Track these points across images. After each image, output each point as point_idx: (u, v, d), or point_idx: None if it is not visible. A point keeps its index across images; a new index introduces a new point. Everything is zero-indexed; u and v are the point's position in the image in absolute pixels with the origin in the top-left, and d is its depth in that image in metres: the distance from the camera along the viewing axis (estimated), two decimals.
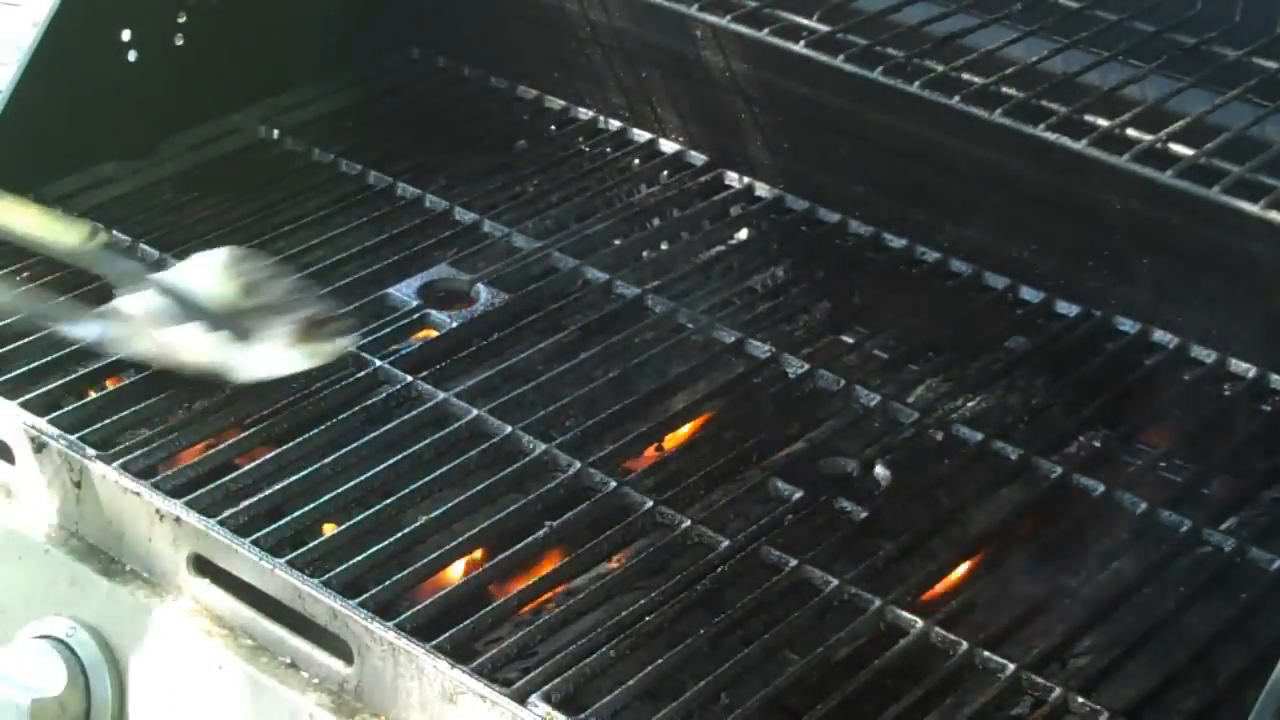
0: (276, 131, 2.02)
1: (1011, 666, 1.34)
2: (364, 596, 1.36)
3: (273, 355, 1.45)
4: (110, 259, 1.48)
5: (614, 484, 1.50)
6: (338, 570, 1.39)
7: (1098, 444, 1.60)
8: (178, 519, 1.44)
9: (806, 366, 1.66)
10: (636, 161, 2.00)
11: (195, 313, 1.44)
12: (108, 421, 1.56)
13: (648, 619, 1.37)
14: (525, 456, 1.54)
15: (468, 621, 1.35)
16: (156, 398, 1.59)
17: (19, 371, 1.62)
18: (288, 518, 1.45)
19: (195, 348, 1.44)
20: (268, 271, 1.49)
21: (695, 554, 1.45)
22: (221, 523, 1.43)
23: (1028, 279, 1.78)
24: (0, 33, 3.16)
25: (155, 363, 1.48)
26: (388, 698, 1.34)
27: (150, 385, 1.61)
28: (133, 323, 1.46)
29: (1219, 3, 1.55)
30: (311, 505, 1.47)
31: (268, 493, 1.49)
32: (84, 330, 1.52)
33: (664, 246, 1.89)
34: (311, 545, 1.43)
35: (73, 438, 1.52)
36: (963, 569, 1.46)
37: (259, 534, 1.43)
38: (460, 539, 1.45)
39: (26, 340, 1.66)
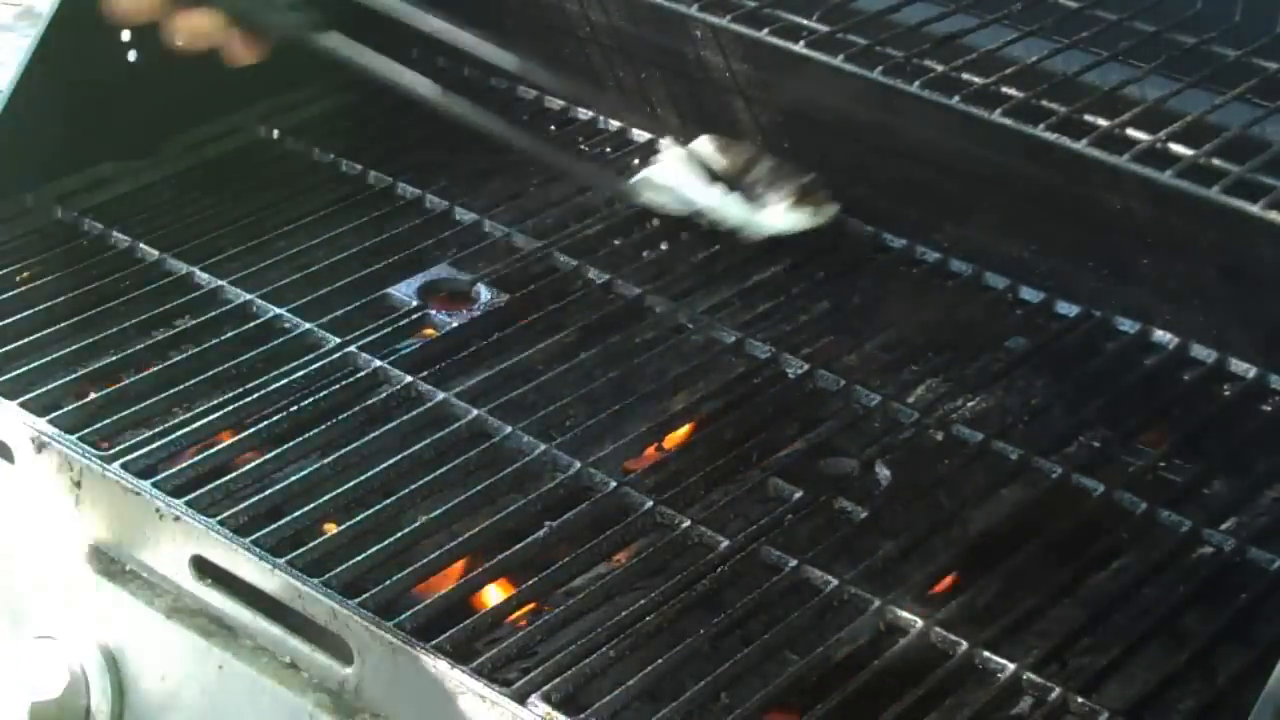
0: (276, 131, 2.02)
1: (1011, 666, 1.34)
2: (364, 596, 1.36)
3: (782, 214, 1.69)
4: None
5: (614, 484, 1.50)
6: (338, 570, 1.39)
7: (1098, 444, 1.60)
8: (178, 519, 1.44)
9: (806, 366, 1.66)
10: (636, 161, 2.00)
11: (714, 178, 1.68)
12: (108, 421, 1.56)
13: (648, 619, 1.37)
14: (525, 456, 1.54)
15: (468, 621, 1.36)
16: (156, 398, 1.60)
17: (19, 371, 1.62)
18: (288, 518, 1.45)
19: (718, 208, 1.68)
20: (753, 151, 1.74)
21: (695, 554, 1.45)
22: (221, 523, 1.43)
23: (1028, 279, 1.78)
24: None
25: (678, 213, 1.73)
26: (388, 698, 1.34)
27: (150, 385, 1.62)
28: (662, 188, 1.72)
29: (1219, 3, 1.55)
30: (311, 505, 1.47)
31: (268, 493, 1.49)
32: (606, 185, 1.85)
33: (664, 246, 1.89)
34: (311, 545, 1.43)
35: (73, 438, 1.52)
36: (963, 569, 1.46)
37: (259, 534, 1.43)
38: (460, 539, 1.45)
39: (27, 340, 1.66)
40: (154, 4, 1.31)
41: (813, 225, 1.75)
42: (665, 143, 1.79)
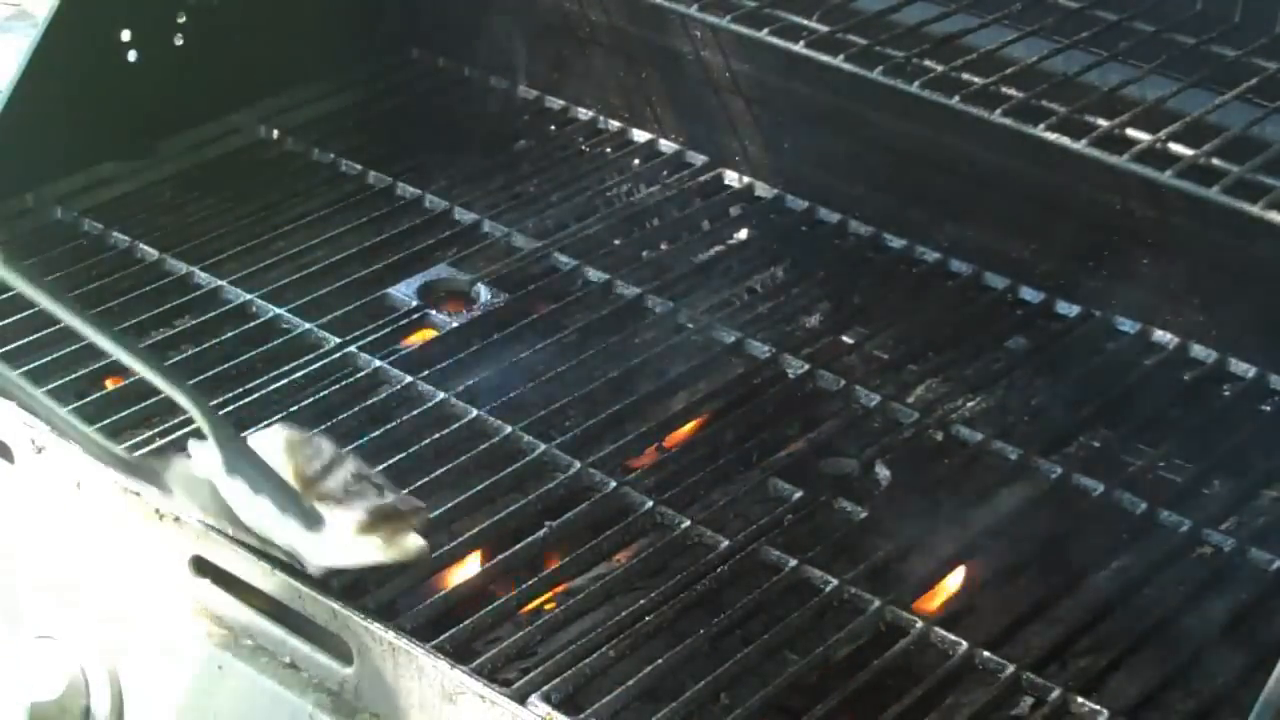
0: (276, 131, 2.02)
1: (1011, 666, 1.34)
2: (364, 597, 1.36)
3: (344, 546, 1.31)
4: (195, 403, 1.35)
5: (614, 484, 1.50)
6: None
7: (1098, 444, 1.60)
8: (178, 519, 1.44)
9: (806, 366, 1.66)
10: (636, 161, 2.00)
11: (271, 485, 1.31)
12: (108, 421, 1.56)
13: (648, 619, 1.37)
14: (525, 456, 1.54)
15: (468, 621, 1.36)
16: (156, 398, 1.59)
17: (19, 371, 1.62)
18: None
19: (263, 525, 1.33)
20: (330, 456, 1.35)
21: (695, 554, 1.45)
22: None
23: (1028, 279, 1.78)
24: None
25: (212, 521, 1.37)
26: (388, 698, 1.33)
27: (150, 385, 1.61)
28: (197, 481, 1.35)
29: (1219, 3, 1.55)
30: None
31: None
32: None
33: (664, 246, 1.89)
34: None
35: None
36: (963, 569, 1.46)
37: None
38: (460, 539, 1.45)
39: (26, 340, 1.66)
40: None
41: (380, 561, 1.32)
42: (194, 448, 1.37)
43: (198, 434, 1.35)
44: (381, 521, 1.31)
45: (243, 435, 1.35)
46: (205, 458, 1.34)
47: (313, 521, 1.30)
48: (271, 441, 1.34)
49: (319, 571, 1.33)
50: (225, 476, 1.32)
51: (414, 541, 1.32)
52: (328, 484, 1.33)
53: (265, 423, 1.41)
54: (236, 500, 1.32)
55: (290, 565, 1.38)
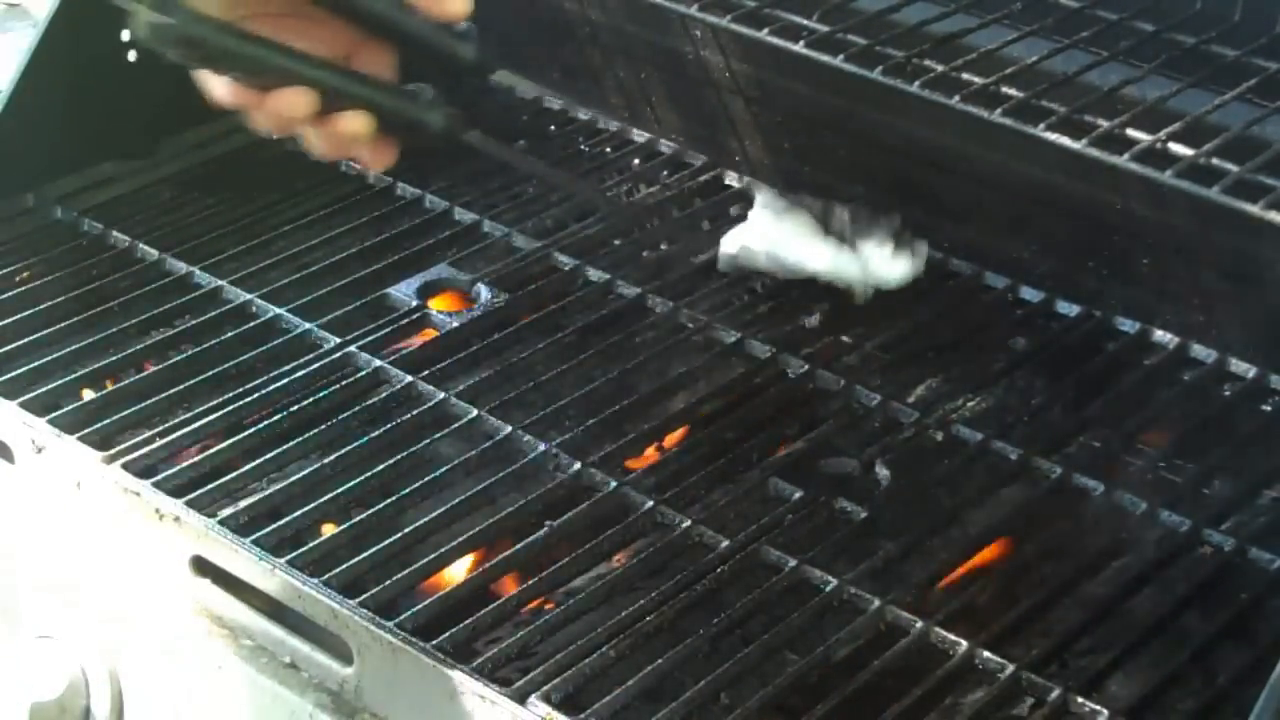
0: None
1: (1011, 666, 1.34)
2: (364, 596, 1.36)
3: (891, 264, 1.62)
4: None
5: (614, 484, 1.50)
6: (338, 570, 1.39)
7: (1098, 444, 1.60)
8: (178, 519, 1.44)
9: (806, 366, 1.66)
10: (636, 161, 2.00)
11: (817, 234, 1.60)
12: (108, 421, 1.56)
13: (648, 619, 1.37)
14: (525, 456, 1.54)
15: (468, 621, 1.36)
16: (156, 398, 1.60)
17: (19, 371, 1.62)
18: (288, 518, 1.45)
19: (833, 268, 1.62)
20: (818, 201, 1.65)
21: (695, 554, 1.45)
22: (221, 523, 1.43)
23: (1028, 279, 1.78)
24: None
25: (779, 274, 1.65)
26: (388, 698, 1.34)
27: (150, 385, 1.62)
28: (760, 253, 1.65)
29: (1219, 3, 1.55)
30: (311, 505, 1.47)
31: (268, 493, 1.49)
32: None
33: (664, 247, 1.89)
34: (311, 545, 1.43)
35: (73, 438, 1.52)
36: (962, 569, 1.46)
37: (259, 534, 1.43)
38: (460, 539, 1.45)
39: (27, 340, 1.66)
40: (304, 113, 1.15)
41: (917, 272, 1.69)
42: (759, 198, 1.71)
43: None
44: (900, 241, 1.64)
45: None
46: (756, 225, 1.67)
47: (853, 246, 1.62)
48: (779, 201, 1.67)
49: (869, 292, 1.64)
50: (784, 234, 1.61)
51: (922, 246, 1.67)
52: (837, 222, 1.65)
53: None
54: (803, 255, 1.63)
55: (291, 565, 1.39)
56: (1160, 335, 1.71)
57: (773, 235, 1.66)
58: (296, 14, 1.15)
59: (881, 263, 1.63)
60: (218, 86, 1.15)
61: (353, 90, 1.17)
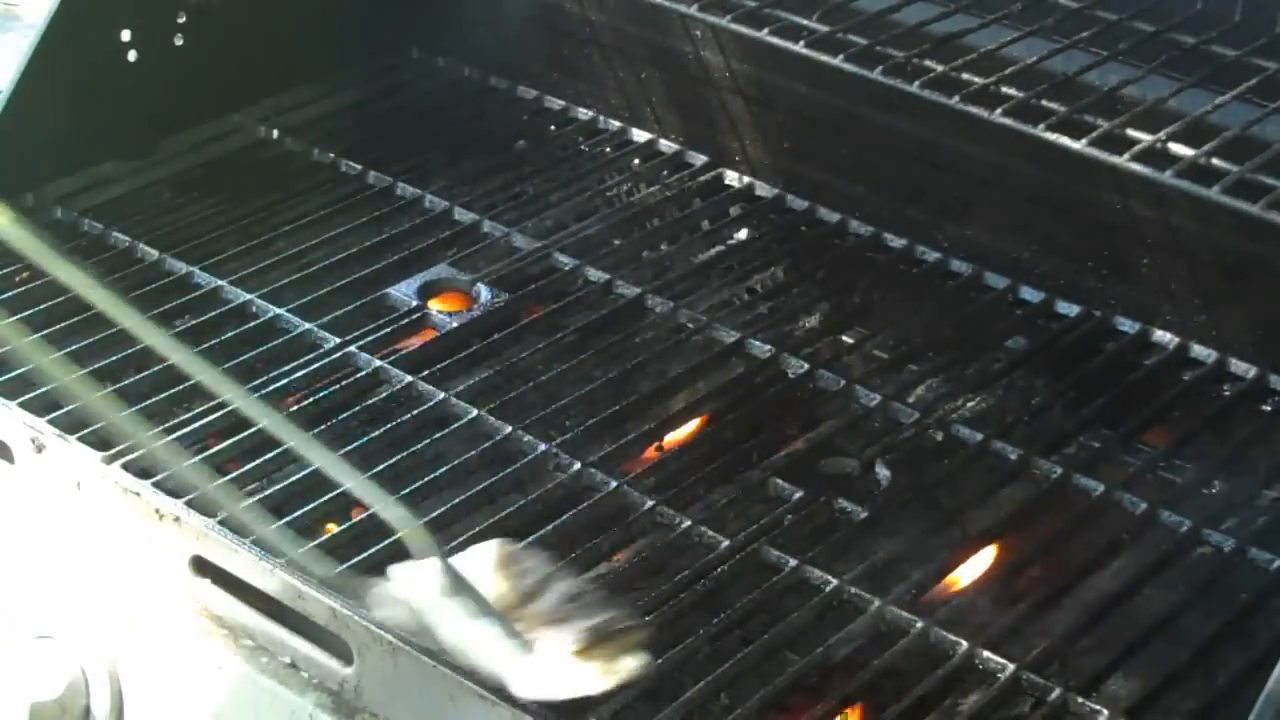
0: (276, 131, 2.02)
1: (1011, 666, 1.34)
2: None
3: (559, 671, 1.20)
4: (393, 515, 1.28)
5: (614, 484, 1.50)
6: (337, 570, 1.39)
7: (1098, 444, 1.60)
8: (177, 519, 1.44)
9: (806, 366, 1.66)
10: (636, 161, 2.00)
11: (476, 607, 1.22)
12: (108, 421, 1.56)
13: (647, 619, 1.37)
14: (525, 456, 1.54)
15: None
16: (156, 398, 1.59)
17: (19, 371, 1.62)
18: (288, 518, 1.45)
19: (476, 649, 1.22)
20: (544, 571, 1.26)
21: (695, 554, 1.45)
22: (222, 523, 1.43)
23: (1028, 279, 1.78)
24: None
25: (420, 641, 1.28)
26: (388, 698, 1.33)
27: (150, 385, 1.61)
28: (402, 604, 1.25)
29: (1219, 3, 1.55)
30: (311, 505, 1.47)
31: (268, 493, 1.49)
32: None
33: (664, 247, 1.89)
34: (311, 545, 1.42)
35: (73, 438, 1.52)
36: (962, 569, 1.46)
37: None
38: (460, 539, 1.44)
39: (26, 340, 1.66)
40: None
41: (598, 690, 1.22)
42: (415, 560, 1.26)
43: (395, 554, 1.29)
44: (598, 644, 1.20)
45: (448, 554, 1.27)
46: (406, 579, 1.25)
47: (523, 648, 1.20)
48: (481, 557, 1.27)
49: (530, 702, 1.24)
50: (428, 600, 1.23)
51: (633, 662, 1.22)
52: (539, 605, 1.23)
53: (471, 534, 1.40)
54: (439, 624, 1.23)
55: (291, 567, 1.38)
56: (1160, 335, 1.71)
57: (426, 584, 1.24)
58: None
59: (545, 660, 1.21)
60: None
61: None
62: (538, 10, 2.05)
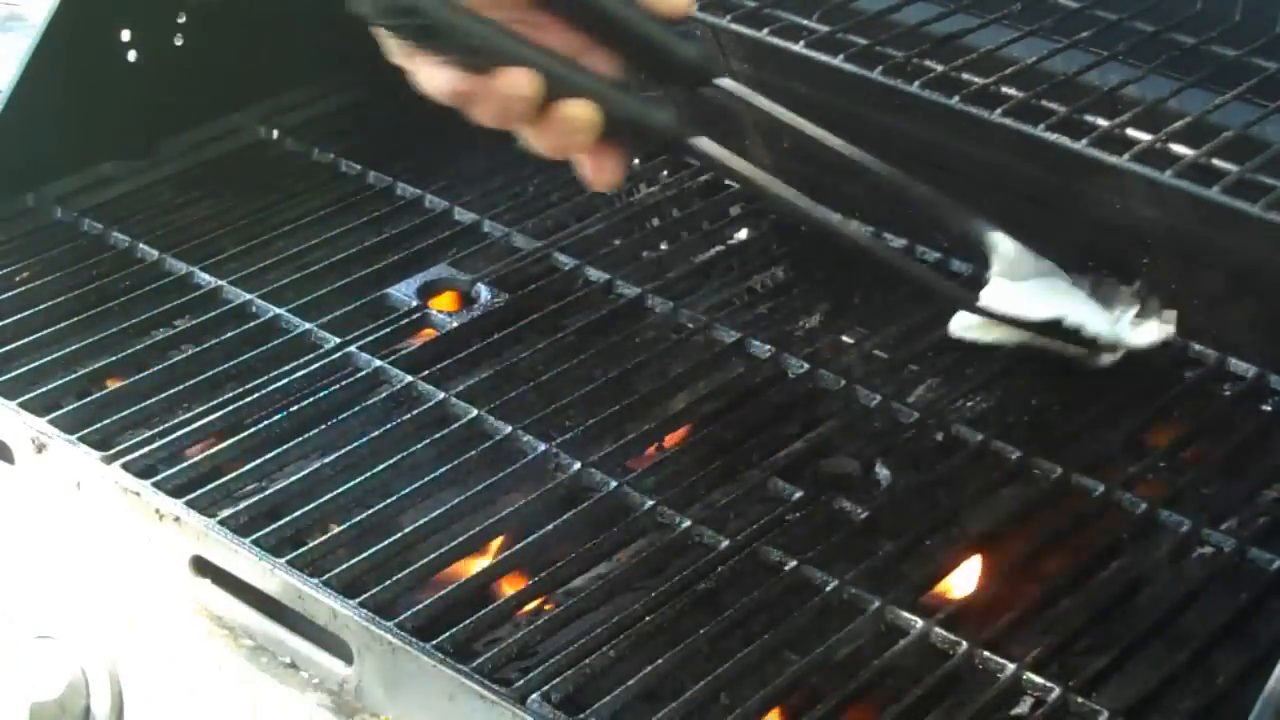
0: (276, 131, 2.02)
1: (1011, 666, 1.34)
2: (364, 596, 1.36)
3: (1144, 328, 1.50)
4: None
5: (614, 484, 1.50)
6: (338, 570, 1.39)
7: (1097, 444, 1.60)
8: (178, 519, 1.44)
9: (806, 366, 1.66)
10: (636, 161, 2.00)
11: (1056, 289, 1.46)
12: (108, 421, 1.56)
13: (648, 619, 1.37)
14: (525, 456, 1.54)
15: (468, 621, 1.36)
16: (156, 398, 1.60)
17: (19, 371, 1.62)
18: (288, 518, 1.45)
19: (1083, 321, 1.49)
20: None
21: (695, 554, 1.45)
22: (221, 523, 1.43)
23: None
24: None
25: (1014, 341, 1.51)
26: (388, 698, 1.34)
27: (150, 385, 1.62)
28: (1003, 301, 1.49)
29: (1219, 3, 1.55)
30: (311, 505, 1.47)
31: (268, 493, 1.49)
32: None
33: (664, 246, 1.89)
34: (311, 545, 1.43)
35: (73, 438, 1.52)
36: (963, 569, 1.46)
37: (259, 534, 1.43)
38: (460, 539, 1.45)
39: (26, 340, 1.66)
40: (529, 93, 1.10)
41: (1166, 338, 1.58)
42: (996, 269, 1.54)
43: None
44: (1147, 307, 1.50)
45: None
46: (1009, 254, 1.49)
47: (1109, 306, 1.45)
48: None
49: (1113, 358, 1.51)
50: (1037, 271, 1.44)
51: (1171, 314, 1.54)
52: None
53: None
54: (1053, 303, 1.46)
55: (291, 565, 1.39)
56: None
57: (1018, 292, 1.52)
58: (518, 14, 1.12)
59: (1132, 324, 1.54)
60: (432, 74, 1.12)
61: (579, 80, 1.12)
62: None
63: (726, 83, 1.33)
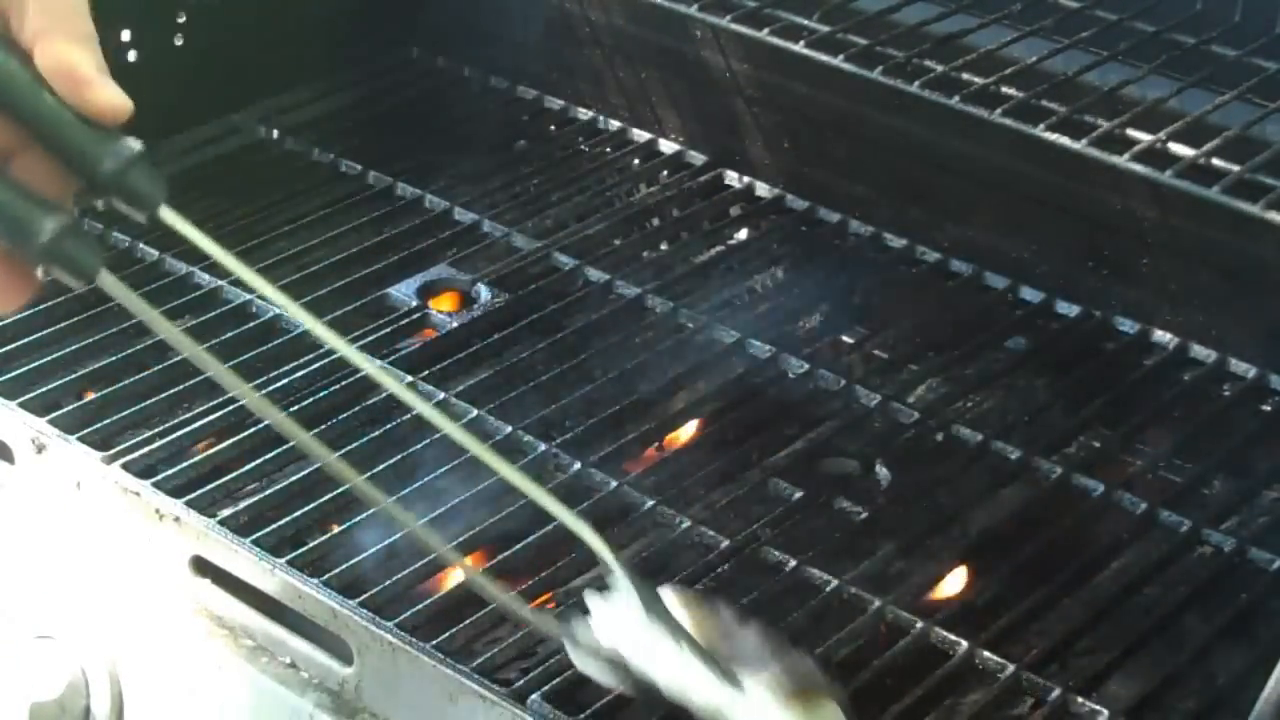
0: (276, 131, 2.02)
1: (1011, 666, 1.34)
2: (364, 596, 1.36)
3: (766, 712, 1.12)
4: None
5: (614, 484, 1.50)
6: (338, 570, 1.39)
7: (1098, 444, 1.60)
8: (178, 519, 1.44)
9: (806, 366, 1.66)
10: (636, 161, 2.00)
11: (685, 643, 1.14)
12: (108, 421, 1.56)
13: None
14: (525, 456, 1.54)
15: (468, 621, 1.35)
16: (156, 398, 1.60)
17: (19, 371, 1.62)
18: (288, 518, 1.45)
19: (679, 683, 1.13)
20: (729, 619, 1.17)
21: (695, 554, 1.45)
22: (221, 523, 1.43)
23: (1028, 279, 1.78)
24: None
25: (623, 687, 1.17)
26: (388, 698, 1.34)
27: (150, 385, 1.61)
28: (603, 651, 1.15)
29: (1219, 3, 1.55)
30: (311, 505, 1.47)
31: (268, 493, 1.49)
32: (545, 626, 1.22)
33: (664, 246, 1.89)
34: (311, 545, 1.43)
35: (73, 438, 1.52)
36: (963, 569, 1.46)
37: (259, 534, 1.43)
38: (460, 539, 1.45)
39: (26, 340, 1.66)
40: None
41: None
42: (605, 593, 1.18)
43: (595, 585, 1.22)
44: (800, 689, 1.12)
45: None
46: (608, 610, 1.17)
47: (733, 682, 1.12)
48: (669, 598, 1.19)
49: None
50: (640, 626, 1.16)
51: (829, 708, 1.13)
52: (735, 646, 1.16)
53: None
54: (649, 653, 1.15)
55: (291, 565, 1.38)
56: (1160, 335, 1.71)
57: (623, 630, 1.17)
58: None
59: (760, 701, 1.12)
60: None
61: None
62: (538, 10, 2.04)
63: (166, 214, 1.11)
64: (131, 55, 1.90)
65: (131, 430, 1.56)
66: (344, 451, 1.53)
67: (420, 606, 1.37)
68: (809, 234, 1.88)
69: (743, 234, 1.91)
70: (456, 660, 1.31)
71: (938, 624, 1.37)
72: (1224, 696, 1.33)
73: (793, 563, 1.43)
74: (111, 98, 0.99)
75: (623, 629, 1.15)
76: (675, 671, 1.13)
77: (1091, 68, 1.51)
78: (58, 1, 0.93)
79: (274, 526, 1.44)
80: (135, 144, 1.04)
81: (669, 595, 1.18)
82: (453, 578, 1.43)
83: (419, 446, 1.54)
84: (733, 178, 1.96)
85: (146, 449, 1.52)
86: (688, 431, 1.61)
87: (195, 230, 1.05)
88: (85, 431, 1.53)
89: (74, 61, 0.94)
